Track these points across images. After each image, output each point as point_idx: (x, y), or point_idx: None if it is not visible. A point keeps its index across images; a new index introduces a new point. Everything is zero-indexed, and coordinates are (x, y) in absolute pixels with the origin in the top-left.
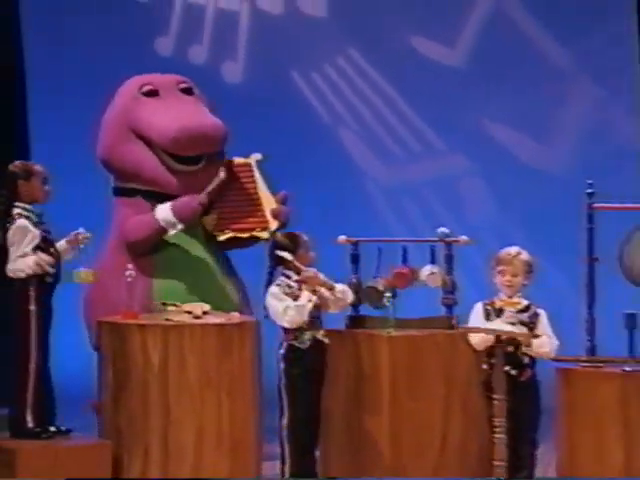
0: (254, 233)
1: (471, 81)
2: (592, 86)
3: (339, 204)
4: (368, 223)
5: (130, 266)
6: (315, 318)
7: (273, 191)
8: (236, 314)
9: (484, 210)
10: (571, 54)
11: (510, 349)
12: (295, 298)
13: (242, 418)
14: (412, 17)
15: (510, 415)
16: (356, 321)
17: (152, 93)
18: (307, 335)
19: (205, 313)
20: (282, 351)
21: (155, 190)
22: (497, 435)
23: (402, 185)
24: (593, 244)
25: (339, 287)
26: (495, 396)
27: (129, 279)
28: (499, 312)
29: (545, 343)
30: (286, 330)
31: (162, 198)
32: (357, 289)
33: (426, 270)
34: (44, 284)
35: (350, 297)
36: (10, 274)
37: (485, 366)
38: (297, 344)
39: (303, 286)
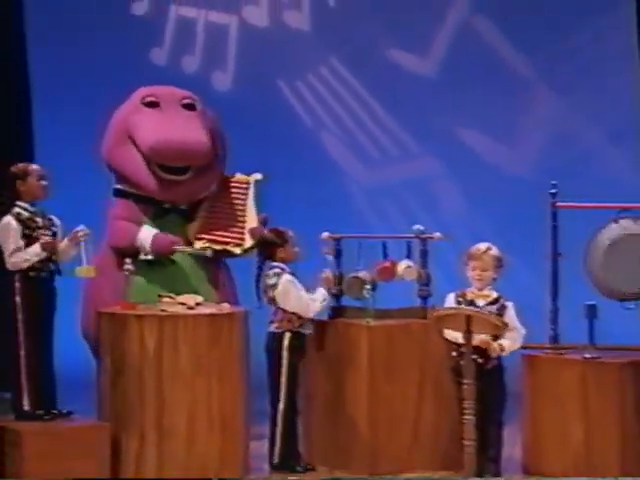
0: (227, 247)
1: (443, 89)
2: (555, 94)
3: (322, 203)
4: (349, 221)
5: (128, 261)
6: None
7: (261, 211)
8: (226, 305)
9: (456, 209)
10: (535, 64)
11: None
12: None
13: (231, 401)
14: (389, 31)
15: (478, 398)
16: (338, 311)
17: (153, 104)
18: (308, 322)
19: (198, 304)
20: (286, 341)
21: (142, 194)
22: (466, 417)
23: (380, 186)
24: (557, 241)
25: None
26: (464, 381)
27: (126, 273)
28: (470, 303)
29: (515, 340)
30: (291, 319)
31: (150, 202)
32: (340, 281)
33: (403, 264)
34: (28, 277)
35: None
36: (13, 268)
37: (455, 353)
38: (302, 330)
39: (323, 283)
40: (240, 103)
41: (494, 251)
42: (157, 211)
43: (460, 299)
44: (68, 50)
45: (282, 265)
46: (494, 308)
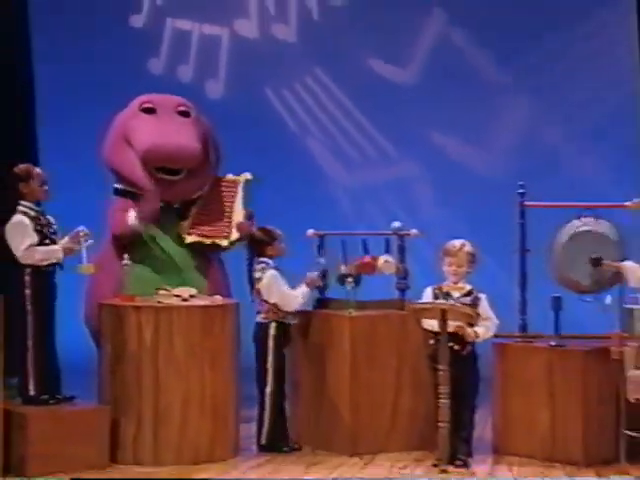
0: (215, 240)
1: (420, 97)
2: (524, 100)
3: (308, 203)
4: (332, 219)
5: (126, 257)
6: None
7: (246, 208)
8: (218, 297)
9: (432, 208)
10: (506, 73)
11: (458, 326)
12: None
13: (222, 386)
14: (369, 42)
15: (453, 383)
16: (322, 303)
17: (149, 110)
18: (292, 313)
19: (192, 296)
20: (272, 330)
21: (139, 193)
22: (442, 400)
23: (361, 186)
24: (525, 238)
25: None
26: (440, 367)
27: (125, 267)
28: (446, 295)
29: (484, 331)
30: (276, 310)
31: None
32: (324, 274)
33: (381, 259)
34: (38, 271)
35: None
36: (25, 262)
37: (432, 341)
38: (286, 321)
39: (307, 283)
40: (231, 109)
41: (468, 247)
42: None
43: (437, 292)
44: (71, 60)
45: (268, 260)
46: (468, 300)
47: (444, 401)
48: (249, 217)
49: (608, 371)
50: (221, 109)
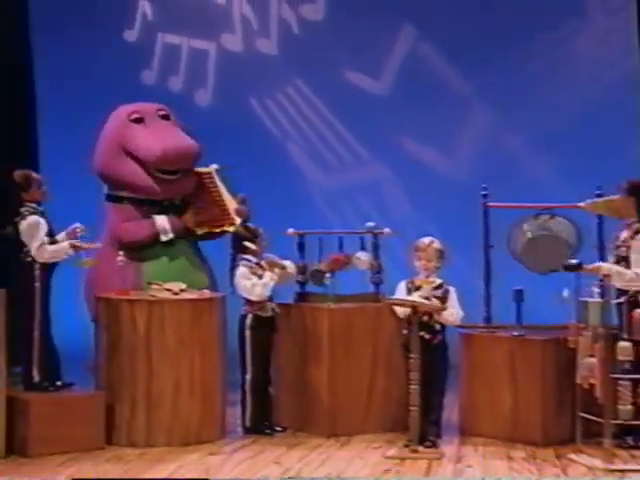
0: (224, 228)
1: (392, 106)
2: (488, 108)
3: (288, 203)
4: (311, 218)
5: (121, 254)
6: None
7: (232, 193)
8: (206, 291)
9: (403, 208)
10: (471, 84)
11: (425, 318)
12: (259, 277)
13: (210, 373)
14: (346, 55)
15: (423, 370)
16: (302, 296)
17: (138, 120)
18: (269, 306)
19: (182, 290)
20: (248, 322)
21: (140, 197)
22: (413, 386)
23: (337, 188)
24: (488, 234)
25: (287, 264)
26: (412, 355)
27: (120, 264)
28: (417, 288)
29: (453, 314)
30: (251, 303)
31: (146, 203)
32: (303, 271)
33: (355, 256)
34: (46, 266)
35: (294, 270)
36: (38, 258)
37: (404, 331)
38: (261, 314)
39: (266, 267)
40: (218, 117)
41: (437, 244)
42: (153, 209)
43: (409, 285)
44: (69, 73)
45: (250, 258)
46: (439, 292)
47: (414, 387)
48: (243, 202)
49: (565, 359)
50: (209, 117)
